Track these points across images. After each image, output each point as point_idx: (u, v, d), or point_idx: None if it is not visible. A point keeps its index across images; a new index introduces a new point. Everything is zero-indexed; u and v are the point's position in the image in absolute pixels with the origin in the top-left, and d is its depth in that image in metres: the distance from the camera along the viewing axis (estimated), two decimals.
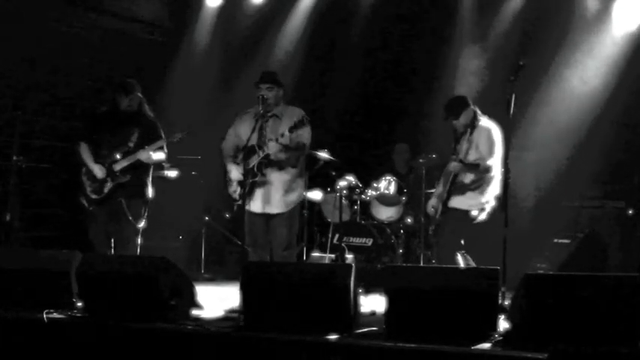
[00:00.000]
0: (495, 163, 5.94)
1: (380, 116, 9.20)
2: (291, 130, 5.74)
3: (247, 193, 5.82)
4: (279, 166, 5.90)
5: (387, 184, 7.66)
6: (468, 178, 5.98)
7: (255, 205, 5.94)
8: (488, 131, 5.97)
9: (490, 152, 5.93)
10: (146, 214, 6.37)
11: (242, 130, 6.01)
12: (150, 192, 6.41)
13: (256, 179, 5.86)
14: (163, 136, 6.38)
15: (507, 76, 5.38)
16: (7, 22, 7.69)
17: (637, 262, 6.91)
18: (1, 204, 7.52)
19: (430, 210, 6.29)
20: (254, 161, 5.83)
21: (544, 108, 7.81)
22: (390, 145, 8.44)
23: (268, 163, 5.87)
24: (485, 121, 6.03)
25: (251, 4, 9.05)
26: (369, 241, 7.43)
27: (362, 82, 9.13)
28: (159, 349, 4.74)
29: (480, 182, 5.97)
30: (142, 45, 9.06)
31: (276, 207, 5.94)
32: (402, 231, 7.65)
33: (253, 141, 5.85)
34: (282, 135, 5.78)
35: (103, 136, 6.34)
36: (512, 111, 5.30)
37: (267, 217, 5.97)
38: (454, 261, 5.82)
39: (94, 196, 6.27)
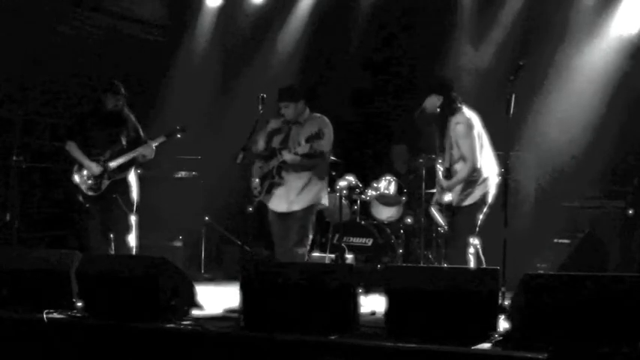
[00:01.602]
0: (481, 154, 5.71)
1: (380, 116, 9.20)
2: (307, 140, 5.91)
3: (266, 192, 6.11)
4: (295, 170, 6.07)
5: (387, 184, 7.66)
6: (465, 180, 5.85)
7: (273, 204, 6.16)
8: (464, 128, 5.67)
9: (471, 149, 5.67)
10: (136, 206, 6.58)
11: (270, 134, 6.23)
12: (136, 185, 6.59)
13: (274, 181, 6.10)
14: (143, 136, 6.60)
15: (507, 76, 5.37)
16: (7, 22, 7.69)
17: (637, 262, 6.91)
18: (1, 204, 7.52)
19: (435, 205, 6.12)
20: (273, 164, 6.09)
21: (544, 108, 7.81)
22: (389, 146, 8.43)
23: (285, 167, 6.07)
24: (461, 114, 5.74)
25: (251, 4, 9.04)
26: (369, 241, 7.43)
27: (362, 82, 9.13)
28: (159, 349, 4.75)
29: (477, 176, 5.79)
30: (142, 45, 9.06)
31: (290, 206, 6.08)
32: (402, 231, 7.64)
33: (276, 144, 6.12)
34: (300, 144, 5.96)
35: (95, 135, 6.45)
36: (512, 111, 5.29)
37: (283, 216, 6.12)
38: (465, 260, 5.69)
39: (90, 193, 6.39)
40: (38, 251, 5.92)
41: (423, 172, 7.41)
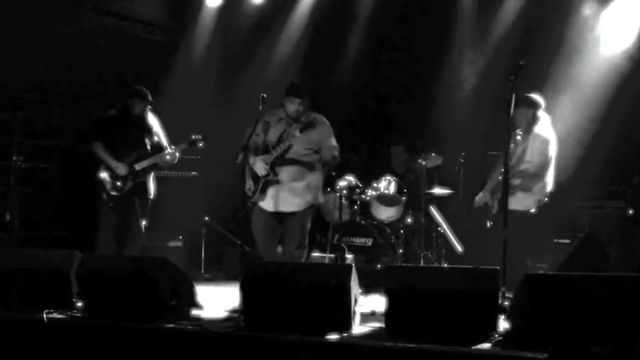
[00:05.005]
0: (547, 171, 6.23)
1: (380, 116, 9.20)
2: (301, 130, 5.90)
3: (260, 191, 6.04)
4: (290, 166, 6.03)
5: (387, 184, 7.66)
6: (517, 180, 6.09)
7: (268, 204, 6.07)
8: (542, 139, 6.18)
9: (541, 158, 6.18)
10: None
11: (263, 129, 6.16)
12: (154, 190, 6.87)
13: (268, 177, 6.03)
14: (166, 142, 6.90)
15: (507, 76, 5.37)
16: (7, 22, 7.68)
17: (637, 262, 6.90)
18: (1, 204, 7.52)
19: (477, 202, 6.42)
20: (267, 160, 6.03)
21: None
22: (388, 146, 8.43)
23: (281, 163, 6.03)
24: (542, 127, 6.22)
25: (251, 4, 9.05)
26: (369, 241, 7.42)
27: (362, 81, 9.13)
28: (159, 349, 4.74)
29: (532, 183, 6.17)
30: (142, 45, 9.06)
31: (288, 206, 6.05)
32: (402, 231, 7.64)
33: (271, 139, 6.08)
34: (294, 136, 5.93)
35: (120, 138, 6.72)
36: (512, 111, 5.30)
37: (279, 216, 6.08)
38: (522, 262, 5.94)
39: (114, 193, 6.65)
40: (38, 251, 5.91)
41: (424, 172, 7.41)
